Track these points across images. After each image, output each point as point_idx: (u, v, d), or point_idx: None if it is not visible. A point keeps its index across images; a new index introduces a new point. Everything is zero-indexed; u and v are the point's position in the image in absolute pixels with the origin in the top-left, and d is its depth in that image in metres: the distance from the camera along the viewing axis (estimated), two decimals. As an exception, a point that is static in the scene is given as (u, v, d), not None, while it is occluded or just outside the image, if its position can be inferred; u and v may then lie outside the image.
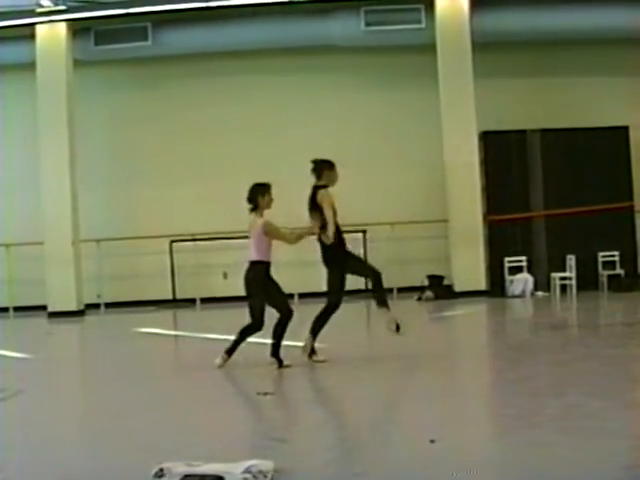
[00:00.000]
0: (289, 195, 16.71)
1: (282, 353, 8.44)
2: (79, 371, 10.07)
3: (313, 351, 8.68)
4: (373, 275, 8.79)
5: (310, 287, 14.75)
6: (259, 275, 8.44)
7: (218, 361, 8.51)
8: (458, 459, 5.00)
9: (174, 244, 16.79)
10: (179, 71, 17.15)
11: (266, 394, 7.05)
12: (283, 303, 8.55)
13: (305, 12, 16.22)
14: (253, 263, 8.51)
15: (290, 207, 15.74)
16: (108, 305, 16.61)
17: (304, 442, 5.58)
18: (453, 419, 6.14)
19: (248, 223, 8.62)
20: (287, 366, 8.37)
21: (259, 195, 8.56)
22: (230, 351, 8.53)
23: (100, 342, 13.03)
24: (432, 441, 5.25)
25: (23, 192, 16.75)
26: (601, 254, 15.63)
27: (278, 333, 8.44)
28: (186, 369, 9.62)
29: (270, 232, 8.53)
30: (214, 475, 4.61)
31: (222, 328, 12.35)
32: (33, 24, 15.88)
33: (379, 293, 8.71)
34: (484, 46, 15.68)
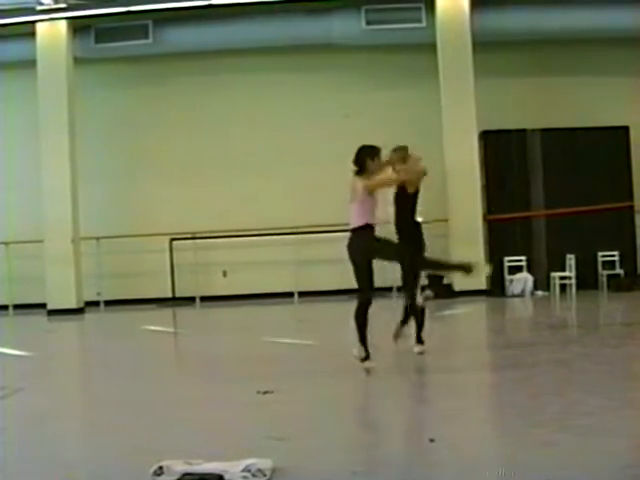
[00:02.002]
0: (292, 191, 16.92)
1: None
2: (79, 369, 10.06)
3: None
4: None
5: (310, 286, 14.77)
6: (363, 241, 7.62)
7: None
8: (457, 459, 5.00)
9: (174, 242, 16.79)
10: (179, 69, 17.17)
11: (266, 393, 7.05)
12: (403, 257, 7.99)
13: (306, 11, 16.22)
14: (354, 230, 7.66)
15: (294, 204, 15.88)
16: (108, 303, 16.61)
17: (303, 441, 5.58)
18: (453, 418, 6.14)
19: (350, 186, 7.68)
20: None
21: (368, 158, 7.62)
22: (362, 341, 7.73)
23: (100, 340, 13.03)
24: (431, 440, 5.25)
25: (23, 190, 16.77)
26: (601, 254, 15.64)
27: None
28: (186, 367, 9.62)
29: (373, 188, 7.60)
30: (213, 473, 4.61)
31: (221, 326, 12.38)
32: (34, 22, 15.90)
33: (409, 314, 8.78)
34: (484, 45, 15.68)
